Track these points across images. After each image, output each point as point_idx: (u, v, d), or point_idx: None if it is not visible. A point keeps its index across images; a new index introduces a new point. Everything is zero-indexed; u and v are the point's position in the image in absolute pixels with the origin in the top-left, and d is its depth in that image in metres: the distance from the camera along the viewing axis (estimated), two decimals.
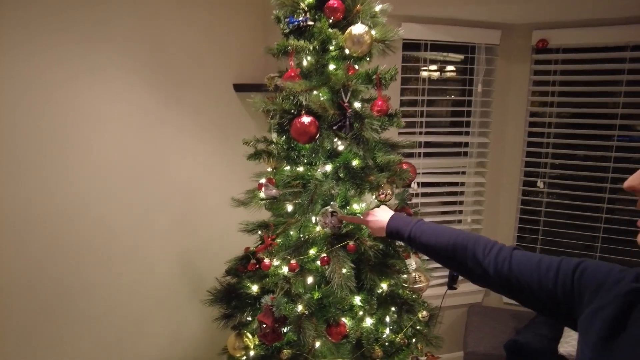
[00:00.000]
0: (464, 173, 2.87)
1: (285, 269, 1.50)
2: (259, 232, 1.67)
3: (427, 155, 2.78)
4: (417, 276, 1.59)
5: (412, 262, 1.61)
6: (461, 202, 2.90)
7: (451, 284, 2.84)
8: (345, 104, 1.43)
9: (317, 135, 1.44)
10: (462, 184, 2.88)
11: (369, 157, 1.46)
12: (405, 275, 1.55)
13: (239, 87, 2.46)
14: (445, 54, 2.72)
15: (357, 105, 1.51)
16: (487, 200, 2.88)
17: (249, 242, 1.77)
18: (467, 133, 2.83)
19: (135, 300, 2.14)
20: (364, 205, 1.70)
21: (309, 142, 1.43)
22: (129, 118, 2.00)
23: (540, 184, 2.77)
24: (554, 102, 2.71)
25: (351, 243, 1.45)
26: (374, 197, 1.56)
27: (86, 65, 1.82)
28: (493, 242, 1.09)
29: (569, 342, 2.29)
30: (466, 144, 2.84)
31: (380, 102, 1.58)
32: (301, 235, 1.65)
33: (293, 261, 1.44)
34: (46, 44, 1.67)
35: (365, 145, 1.42)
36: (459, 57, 2.77)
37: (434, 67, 2.78)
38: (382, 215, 1.32)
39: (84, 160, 1.85)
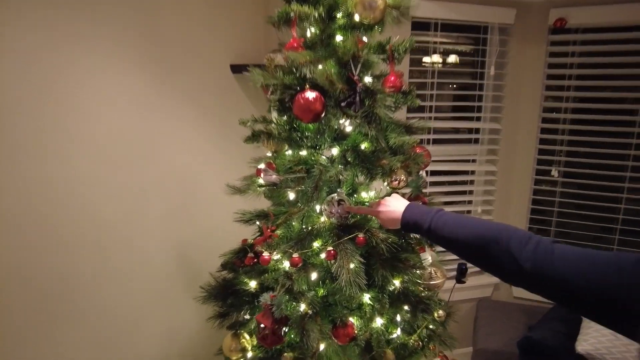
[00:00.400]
0: (474, 161, 2.68)
1: (286, 264, 1.32)
2: (258, 223, 1.48)
3: (435, 142, 2.58)
4: (433, 271, 1.41)
5: (428, 256, 1.42)
6: (471, 192, 2.71)
7: (460, 277, 2.65)
8: (355, 77, 1.24)
9: (323, 114, 1.24)
10: (472, 172, 2.68)
11: (382, 138, 1.26)
12: (420, 271, 1.37)
13: (236, 68, 2.25)
14: (456, 34, 2.52)
15: (367, 80, 1.31)
16: (498, 189, 2.69)
17: (249, 233, 1.59)
18: (477, 119, 2.63)
19: (129, 294, 1.96)
20: (372, 193, 1.51)
21: (314, 121, 1.24)
22: (121, 103, 1.83)
23: (554, 172, 2.58)
24: (571, 86, 2.51)
25: (360, 235, 1.26)
26: (385, 183, 1.37)
27: (77, 50, 1.67)
28: (528, 233, 0.90)
29: (587, 339, 2.12)
30: (477, 130, 2.64)
31: (393, 78, 1.39)
32: (304, 226, 1.47)
33: (295, 255, 1.25)
34: (34, 27, 1.54)
35: (377, 125, 1.23)
36: (470, 38, 2.57)
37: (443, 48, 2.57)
38: (396, 205, 1.13)
39: (76, 148, 1.71)
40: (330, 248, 1.24)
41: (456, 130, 2.73)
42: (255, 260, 1.35)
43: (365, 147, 1.35)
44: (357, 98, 1.22)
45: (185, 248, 2.12)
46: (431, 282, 1.38)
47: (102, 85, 1.75)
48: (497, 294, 2.83)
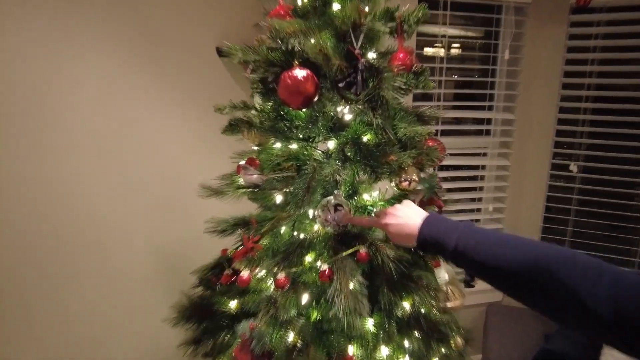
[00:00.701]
0: (484, 155, 2.40)
1: (271, 283, 1.05)
2: (239, 231, 1.22)
3: (443, 133, 2.31)
4: (450, 291, 1.15)
5: (444, 273, 1.16)
6: (481, 188, 2.44)
7: (469, 280, 2.38)
8: (357, 51, 0.96)
9: (316, 97, 0.97)
10: (483, 167, 2.41)
11: (389, 128, 0.99)
12: (434, 292, 1.10)
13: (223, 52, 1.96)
14: (467, 14, 2.23)
15: (371, 55, 1.04)
16: (510, 185, 2.42)
17: (234, 239, 1.33)
18: (489, 108, 2.35)
19: (105, 303, 1.73)
20: (376, 194, 1.25)
21: (304, 106, 0.97)
22: (99, 90, 1.58)
23: (573, 167, 2.31)
24: (593, 71, 2.23)
25: (362, 250, 0.99)
26: (392, 184, 1.11)
27: (53, 34, 1.49)
28: (597, 261, 0.64)
29: (613, 353, 1.87)
30: (488, 121, 2.37)
31: (402, 55, 1.11)
32: (295, 233, 1.21)
33: (281, 275, 0.99)
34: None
35: (384, 112, 0.96)
36: (483, 19, 2.28)
37: (453, 30, 2.28)
38: (409, 216, 0.86)
39: (47, 139, 1.45)
40: (324, 267, 0.98)
41: (461, 121, 2.45)
42: (235, 277, 1.09)
43: (368, 140, 1.08)
44: (359, 77, 0.95)
45: (169, 251, 1.85)
46: (448, 304, 1.12)
47: (77, 72, 1.51)
48: (508, 298, 2.58)
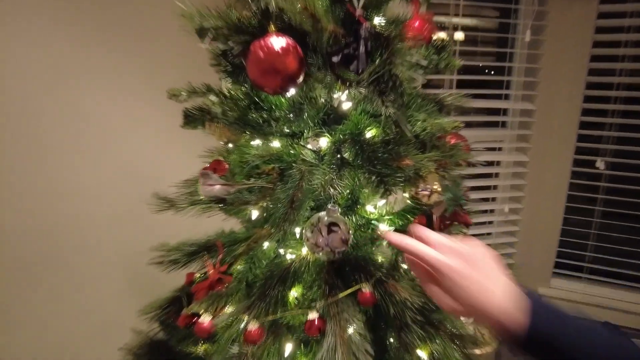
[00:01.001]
0: (500, 149, 2.12)
1: (242, 332, 0.77)
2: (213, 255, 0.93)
3: None
4: (478, 333, 0.87)
5: None
6: (495, 187, 2.15)
7: None
8: (358, 12, 0.67)
9: (300, 77, 0.68)
10: (497, 163, 2.13)
11: (404, 120, 0.70)
12: (459, 338, 0.82)
13: (203, 32, 1.66)
14: None
15: (378, 21, 0.75)
16: (528, 184, 2.14)
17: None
18: (506, 97, 2.06)
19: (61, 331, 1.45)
20: (382, 203, 0.97)
21: (284, 90, 0.68)
22: (52, 75, 1.28)
23: (600, 163, 2.02)
24: (625, 55, 1.93)
25: (366, 290, 0.71)
26: (405, 194, 0.82)
27: None
28: None
29: None
30: (504, 111, 2.08)
31: (418, 23, 0.82)
32: (280, 251, 0.93)
33: (254, 326, 0.71)
34: None
35: (397, 97, 0.67)
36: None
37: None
38: (490, 277, 0.54)
39: None
40: (312, 315, 0.69)
41: (472, 112, 2.15)
42: (194, 320, 0.80)
43: (372, 136, 0.80)
44: (361, 49, 0.66)
45: (139, 264, 1.57)
46: (476, 351, 0.84)
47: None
48: None
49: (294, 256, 0.91)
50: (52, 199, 1.40)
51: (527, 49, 1.97)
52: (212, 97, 0.74)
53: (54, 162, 1.39)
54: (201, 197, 0.79)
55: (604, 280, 2.16)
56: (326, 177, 0.72)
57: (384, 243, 0.90)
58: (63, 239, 1.44)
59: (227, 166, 0.83)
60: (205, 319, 0.73)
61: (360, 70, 0.67)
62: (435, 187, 0.76)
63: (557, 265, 2.22)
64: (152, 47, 1.45)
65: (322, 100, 0.76)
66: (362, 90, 0.70)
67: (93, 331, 1.55)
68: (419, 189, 0.76)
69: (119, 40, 1.39)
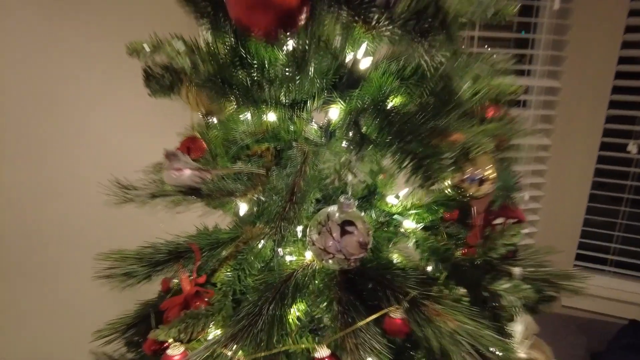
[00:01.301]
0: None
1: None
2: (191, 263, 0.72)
3: None
4: (531, 355, 0.67)
5: (521, 326, 0.68)
6: None
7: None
8: None
9: (302, 15, 0.47)
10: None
11: (457, 76, 0.49)
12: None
13: None
14: None
15: None
16: (550, 169, 1.92)
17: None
18: (527, 73, 1.83)
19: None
20: (405, 192, 0.76)
21: (278, 32, 0.47)
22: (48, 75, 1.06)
23: (632, 147, 1.81)
24: None
25: (396, 316, 0.51)
26: (446, 183, 0.61)
27: None
28: None
29: None
30: (526, 89, 1.86)
31: None
32: (279, 252, 0.72)
33: None
34: None
35: (448, 44, 0.45)
36: None
37: None
38: None
39: None
40: (324, 352, 0.49)
41: None
42: (160, 347, 0.60)
43: (399, 103, 0.58)
44: None
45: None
46: None
47: None
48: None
49: (294, 258, 0.71)
50: (47, 198, 1.21)
51: (555, 19, 1.74)
52: (179, 45, 0.52)
53: (47, 161, 1.19)
54: (167, 187, 0.58)
55: (631, 274, 1.96)
56: (338, 156, 0.50)
57: (410, 244, 0.70)
58: (56, 239, 1.25)
59: (205, 145, 0.62)
60: (175, 352, 0.53)
61: (392, 3, 0.45)
62: (489, 173, 0.55)
63: (578, 257, 2.03)
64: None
65: (332, 54, 0.54)
66: (387, 32, 0.48)
67: (86, 333, 1.36)
68: (466, 176, 0.55)
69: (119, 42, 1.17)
